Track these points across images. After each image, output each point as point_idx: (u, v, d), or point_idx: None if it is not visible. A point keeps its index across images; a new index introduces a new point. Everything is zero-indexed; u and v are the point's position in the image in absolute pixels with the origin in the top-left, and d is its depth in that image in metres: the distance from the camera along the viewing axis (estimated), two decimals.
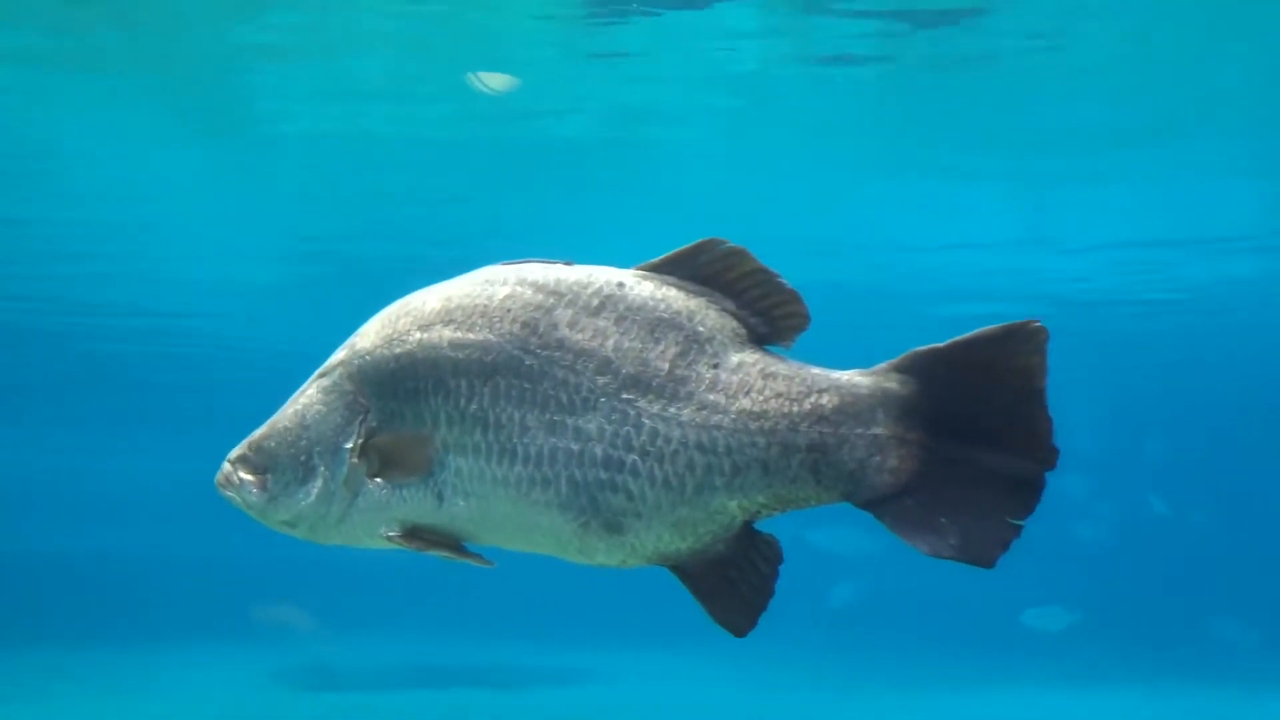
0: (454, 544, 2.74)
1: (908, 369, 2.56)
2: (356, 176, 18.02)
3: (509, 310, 2.56)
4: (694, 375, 2.49)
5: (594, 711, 22.97)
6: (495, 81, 14.29)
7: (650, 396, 2.47)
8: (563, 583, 38.62)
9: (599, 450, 2.51)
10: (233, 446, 2.96)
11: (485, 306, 2.58)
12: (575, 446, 2.50)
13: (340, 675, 26.81)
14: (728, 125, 15.99)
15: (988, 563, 2.58)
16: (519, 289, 2.60)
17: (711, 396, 2.47)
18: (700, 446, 2.47)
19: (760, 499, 2.55)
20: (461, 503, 2.65)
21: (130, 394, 35.53)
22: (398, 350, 2.62)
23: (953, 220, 20.40)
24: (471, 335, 2.56)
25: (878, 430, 2.51)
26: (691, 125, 16.03)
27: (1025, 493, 2.60)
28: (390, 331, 2.67)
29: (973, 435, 2.52)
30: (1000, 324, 2.60)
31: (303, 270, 23.43)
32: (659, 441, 2.48)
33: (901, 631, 33.13)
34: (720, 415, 2.46)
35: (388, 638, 30.77)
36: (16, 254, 22.75)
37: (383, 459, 2.66)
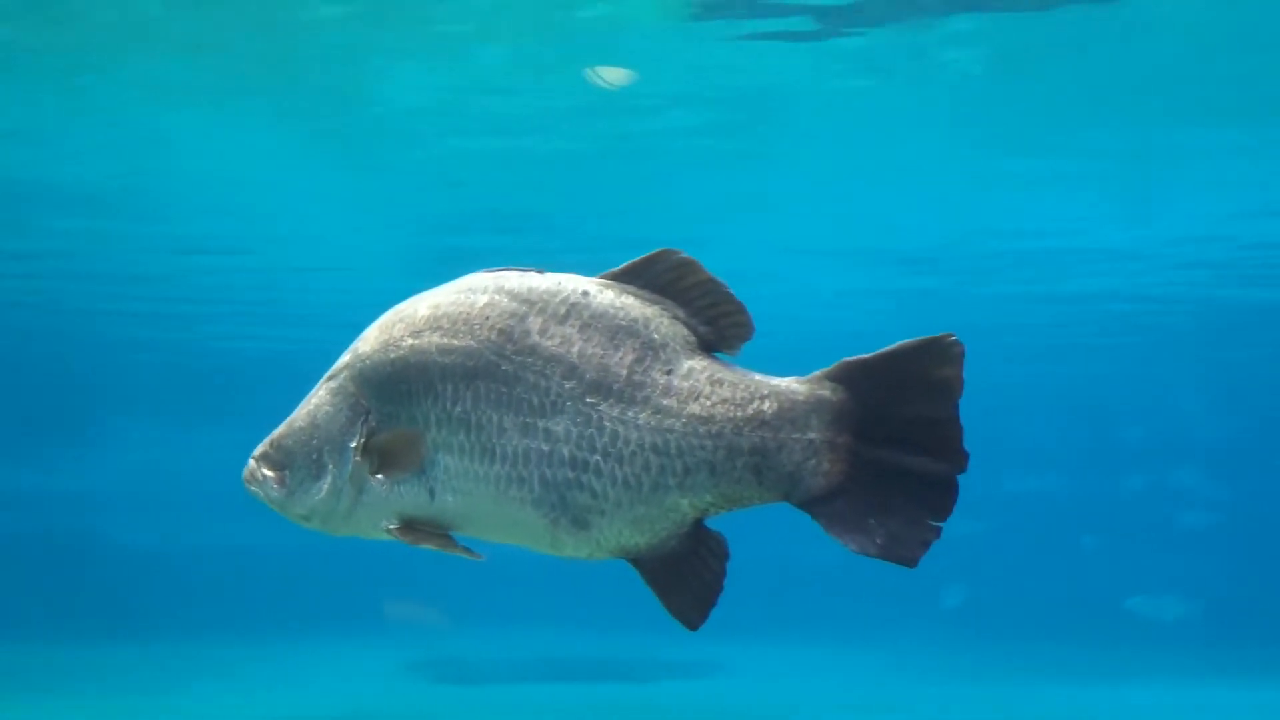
0: (445, 537, 2.96)
1: (839, 377, 2.73)
2: (477, 171, 18.19)
3: (488, 318, 2.77)
4: (649, 381, 2.68)
5: (723, 704, 22.99)
6: (612, 75, 14.36)
7: (611, 401, 2.68)
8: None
9: (566, 451, 2.72)
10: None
11: (468, 314, 2.79)
12: (545, 447, 2.71)
13: (473, 668, 27.09)
14: (841, 109, 15.94)
15: (910, 562, 2.75)
16: (497, 297, 2.80)
17: (665, 401, 2.67)
18: (655, 449, 2.67)
19: (709, 498, 2.72)
20: (450, 498, 2.86)
21: (263, 391, 36.12)
22: (393, 355, 2.86)
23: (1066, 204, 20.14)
24: (456, 341, 2.77)
25: (812, 435, 2.69)
26: (805, 113, 16.00)
27: (943, 495, 2.74)
28: (386, 337, 2.89)
29: (896, 441, 2.70)
30: (921, 337, 2.74)
31: (427, 266, 23.68)
32: (619, 444, 2.69)
33: (1021, 623, 32.83)
34: (673, 419, 2.66)
35: (520, 631, 31.02)
36: (147, 264, 23.29)
37: (381, 457, 2.88)
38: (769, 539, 35.68)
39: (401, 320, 2.93)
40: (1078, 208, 20.36)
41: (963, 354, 2.72)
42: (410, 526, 2.97)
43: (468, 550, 2.96)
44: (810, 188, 19.28)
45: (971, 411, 2.75)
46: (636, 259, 2.83)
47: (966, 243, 22.74)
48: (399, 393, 2.85)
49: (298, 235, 21.50)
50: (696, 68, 14.33)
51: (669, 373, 2.73)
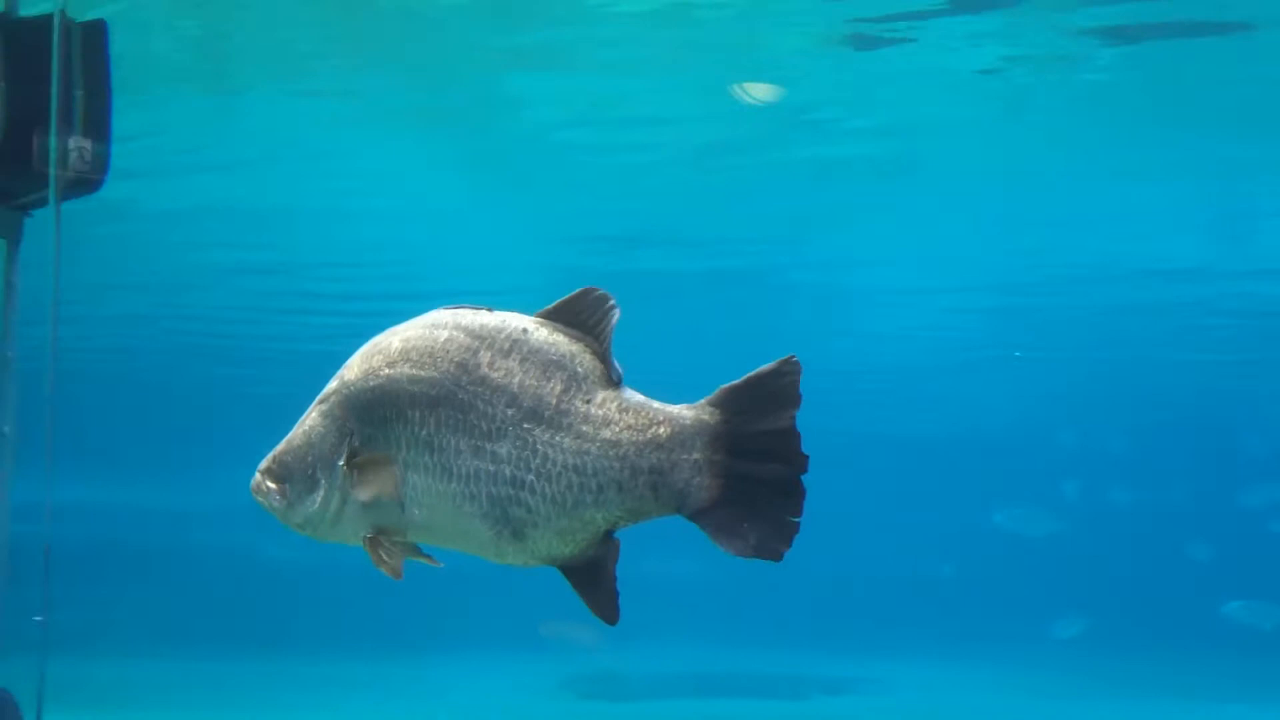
0: (412, 546, 3.37)
1: (715, 403, 3.13)
2: (623, 187, 18.35)
3: (448, 351, 3.15)
4: (573, 409, 3.08)
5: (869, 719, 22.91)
6: (759, 92, 14.45)
7: (543, 426, 3.07)
8: (839, 593, 38.69)
9: (508, 471, 3.12)
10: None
11: (432, 348, 3.17)
12: (492, 468, 3.12)
13: (626, 684, 27.22)
14: (983, 131, 15.93)
15: (777, 556, 3.13)
16: (455, 333, 3.16)
17: (584, 428, 3.07)
18: (576, 469, 3.07)
19: (617, 512, 3.11)
20: (417, 511, 3.25)
21: None
22: (372, 384, 3.25)
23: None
24: (423, 373, 3.15)
25: (696, 455, 3.08)
26: (950, 131, 16.00)
27: (794, 495, 3.11)
28: (367, 367, 3.28)
29: (757, 453, 3.10)
30: (773, 361, 3.15)
31: (573, 282, 23.88)
32: (548, 465, 3.09)
33: (1152, 640, 32.34)
34: (589, 444, 3.05)
35: (673, 647, 31.11)
36: (299, 282, 23.78)
37: (361, 475, 3.28)
38: (918, 555, 35.34)
39: (379, 352, 3.30)
40: (1188, 231, 20.18)
41: (799, 372, 3.14)
42: (380, 536, 3.33)
43: (430, 558, 3.39)
44: (956, 212, 19.25)
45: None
46: (564, 298, 3.25)
47: (1111, 264, 22.49)
48: (377, 417, 3.24)
49: (444, 251, 21.79)
50: (849, 92, 14.42)
51: (588, 402, 3.10)
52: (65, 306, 5.89)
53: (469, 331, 3.17)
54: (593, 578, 3.20)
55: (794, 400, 3.14)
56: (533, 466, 3.10)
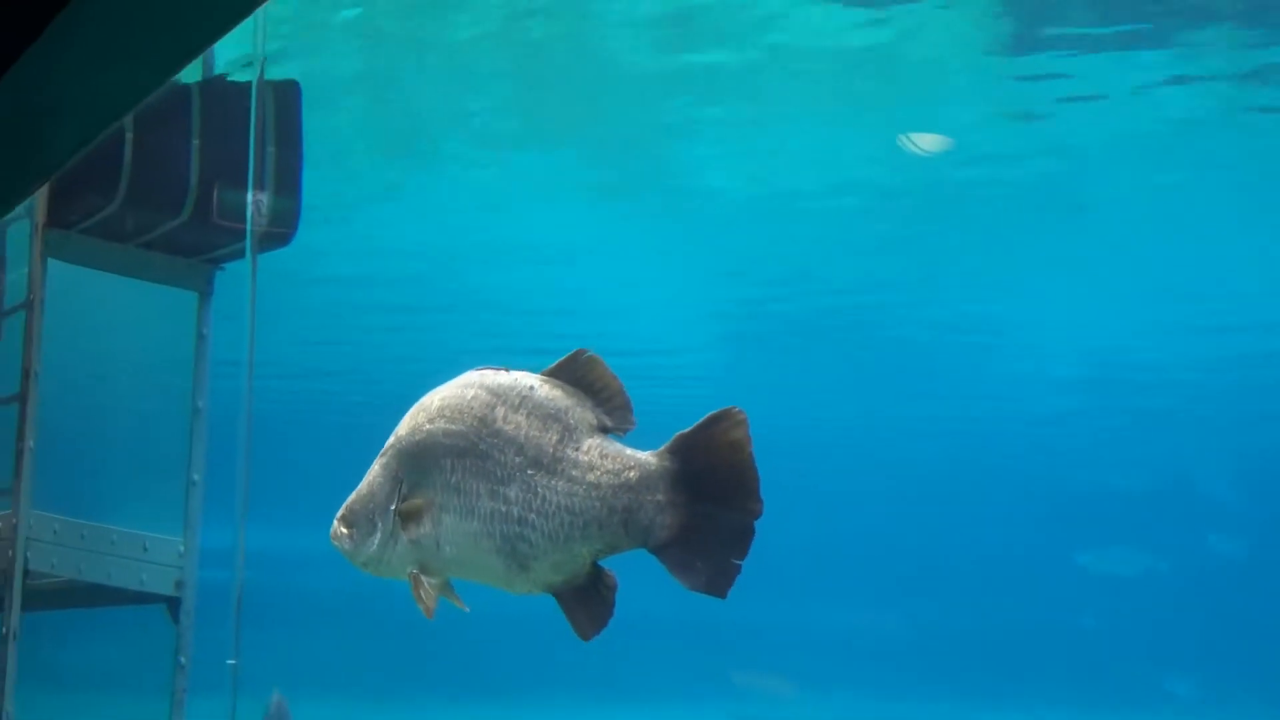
0: (447, 585, 3.76)
1: (673, 449, 3.46)
2: (786, 235, 18.40)
3: (472, 408, 3.57)
4: (565, 457, 3.49)
5: None
6: (926, 142, 14.44)
7: (542, 472, 3.50)
8: (1005, 645, 38.13)
9: (515, 511, 3.53)
10: None
11: (460, 405, 3.60)
12: (504, 509, 3.53)
13: None
14: (1155, 178, 15.72)
15: (721, 594, 3.48)
16: (479, 391, 3.60)
17: (574, 473, 3.49)
18: (567, 509, 3.48)
19: (598, 546, 3.51)
20: (448, 550, 3.65)
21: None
22: (417, 438, 3.68)
23: None
24: (453, 426, 3.59)
25: (659, 497, 3.45)
26: (1120, 179, 15.82)
27: (743, 538, 3.47)
28: (413, 423, 3.71)
29: (712, 496, 3.45)
30: (718, 409, 3.46)
31: (734, 327, 23.97)
32: (546, 505, 3.51)
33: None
34: (578, 486, 3.47)
35: (836, 695, 30.89)
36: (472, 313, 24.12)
37: (406, 518, 3.71)
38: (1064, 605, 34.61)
39: (422, 410, 3.73)
40: None
41: (746, 420, 3.47)
42: (421, 574, 3.73)
43: (458, 600, 3.77)
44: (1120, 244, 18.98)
45: None
46: (562, 358, 3.64)
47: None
48: (421, 467, 3.67)
49: (614, 303, 22.01)
50: (1010, 127, 14.34)
51: (577, 450, 3.51)
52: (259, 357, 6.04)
53: (489, 389, 3.59)
54: (579, 602, 3.56)
55: (745, 446, 3.48)
56: (534, 507, 3.51)
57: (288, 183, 7.24)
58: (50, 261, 7.16)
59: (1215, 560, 35.31)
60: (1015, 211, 17.18)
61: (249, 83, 6.87)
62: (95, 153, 6.63)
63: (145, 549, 7.54)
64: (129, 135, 6.88)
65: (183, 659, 7.64)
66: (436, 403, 3.64)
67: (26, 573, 7.16)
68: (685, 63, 13.01)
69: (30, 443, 7.11)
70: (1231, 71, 12.90)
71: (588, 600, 3.54)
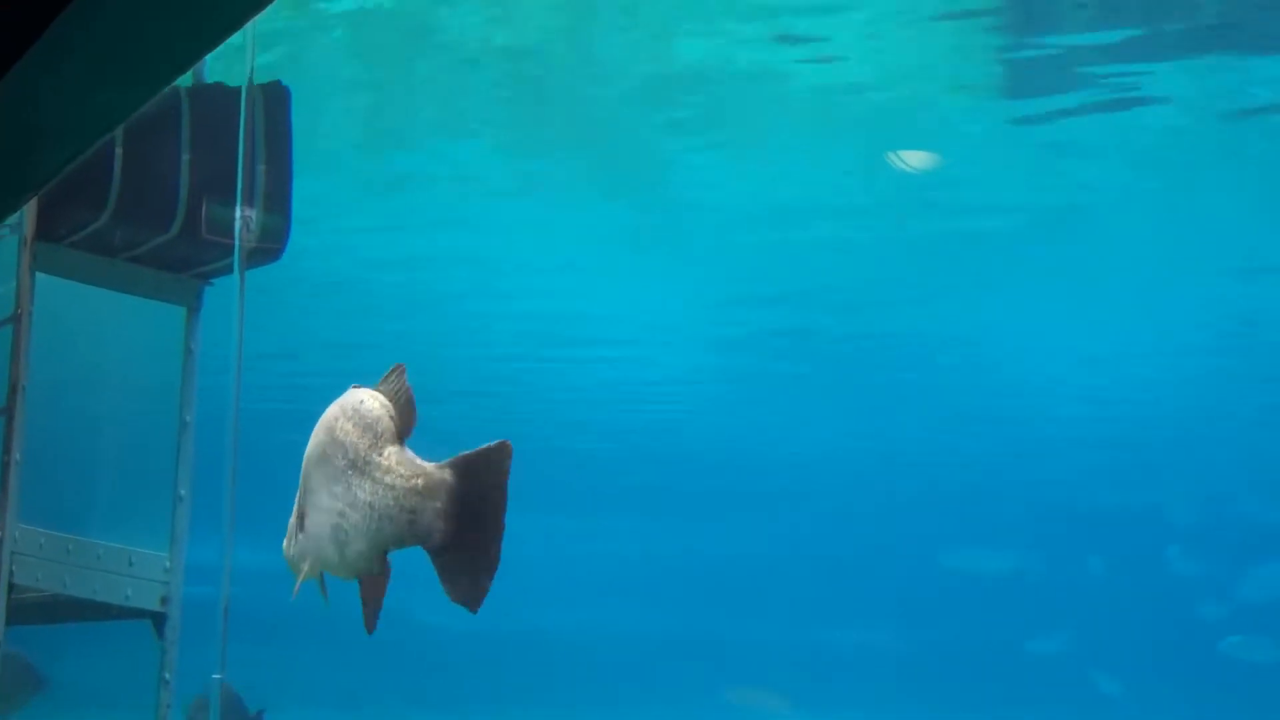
0: (321, 579, 4.21)
1: (455, 465, 3.93)
2: (774, 248, 18.44)
3: (328, 421, 4.06)
4: (373, 461, 3.94)
5: None
6: (914, 159, 14.48)
7: (356, 473, 3.96)
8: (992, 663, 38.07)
9: (339, 505, 4.01)
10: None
11: (325, 420, 4.08)
12: (333, 505, 4.01)
13: None
14: (1150, 197, 15.78)
15: (473, 609, 3.90)
16: (335, 408, 4.07)
17: (377, 474, 3.94)
18: (370, 505, 3.92)
19: (390, 540, 3.96)
20: (310, 544, 4.13)
21: (566, 473, 36.87)
22: (308, 447, 4.13)
23: None
24: (319, 437, 4.06)
25: (438, 505, 3.91)
26: (1114, 200, 15.89)
27: (492, 558, 3.94)
28: (310, 439, 4.16)
29: (477, 515, 3.90)
30: (492, 441, 3.90)
31: (723, 336, 24.04)
32: (357, 501, 3.97)
33: None
34: (379, 486, 3.92)
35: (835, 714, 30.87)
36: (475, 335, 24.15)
37: (300, 520, 4.20)
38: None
39: (318, 423, 4.18)
40: None
41: (511, 452, 3.90)
42: (313, 568, 4.18)
43: (324, 590, 4.23)
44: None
45: None
46: (388, 372, 4.07)
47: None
48: (306, 474, 4.13)
49: (607, 316, 22.03)
50: (1003, 160, 14.43)
51: (380, 455, 3.95)
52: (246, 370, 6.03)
53: (340, 405, 4.08)
54: (372, 591, 4.03)
55: (503, 477, 3.94)
56: (349, 501, 3.98)
57: (277, 198, 7.23)
58: (38, 275, 7.15)
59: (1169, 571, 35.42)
60: (1008, 230, 17.26)
61: (239, 89, 6.85)
62: (85, 166, 6.61)
63: (131, 564, 7.52)
64: (119, 150, 6.87)
65: (167, 675, 7.61)
66: (321, 419, 4.17)
67: (11, 586, 7.13)
68: (675, 77, 13.09)
69: (16, 456, 7.09)
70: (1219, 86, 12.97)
71: (374, 589, 4.03)
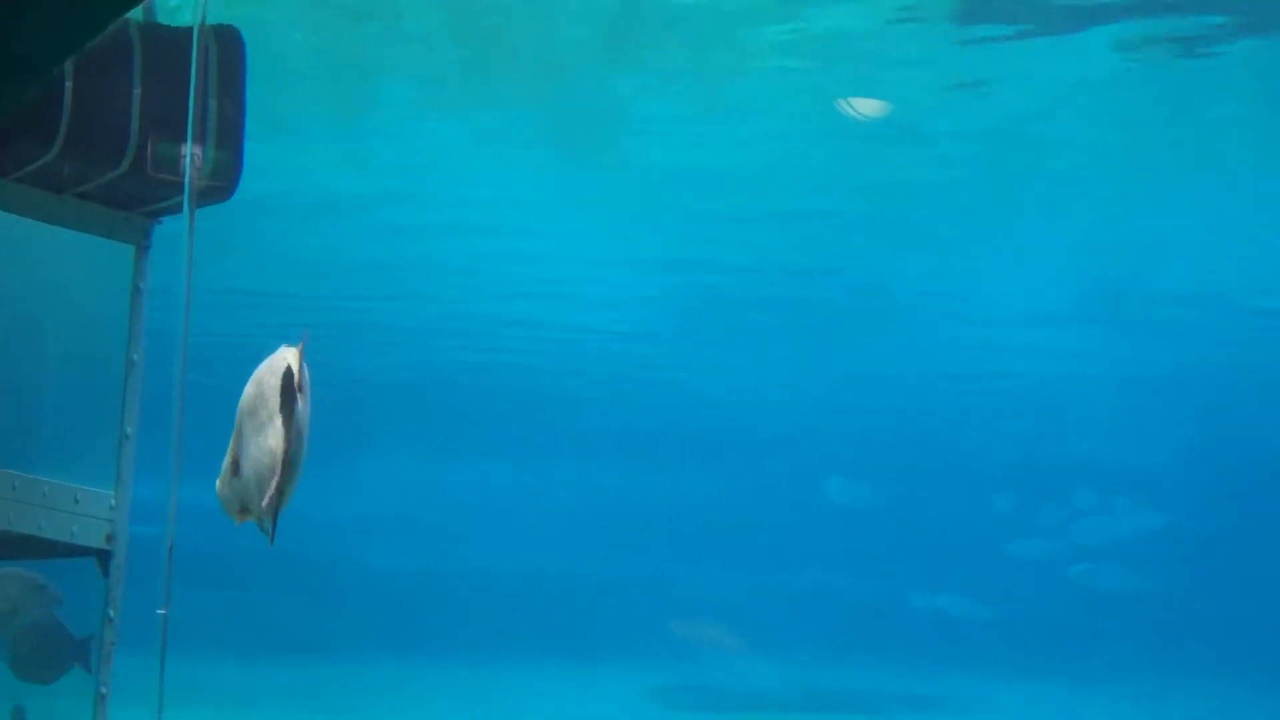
0: (260, 519, 4.65)
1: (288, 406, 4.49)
2: (724, 201, 18.47)
3: (258, 378, 4.56)
4: (266, 411, 4.47)
5: None
6: (865, 106, 14.51)
7: (269, 423, 4.48)
8: (929, 615, 38.50)
9: (258, 452, 4.53)
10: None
11: (256, 374, 4.57)
12: (256, 452, 4.54)
13: (709, 696, 27.27)
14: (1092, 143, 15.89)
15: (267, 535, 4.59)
16: (264, 365, 4.56)
17: (277, 422, 4.46)
18: (271, 451, 4.45)
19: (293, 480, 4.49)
20: (243, 487, 4.62)
21: (519, 418, 36.93)
22: (242, 399, 4.63)
23: None
24: (250, 390, 4.57)
25: (292, 438, 4.46)
26: (1061, 145, 15.97)
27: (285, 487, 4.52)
28: (245, 389, 4.67)
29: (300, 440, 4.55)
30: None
31: (673, 287, 24.09)
32: (267, 444, 4.49)
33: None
34: (275, 432, 4.45)
35: (756, 661, 31.11)
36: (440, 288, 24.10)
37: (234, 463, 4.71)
38: (978, 578, 35.12)
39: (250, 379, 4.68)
40: None
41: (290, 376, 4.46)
42: (244, 510, 4.67)
43: (270, 532, 4.63)
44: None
45: None
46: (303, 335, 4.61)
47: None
48: (239, 422, 4.63)
49: (542, 255, 22.01)
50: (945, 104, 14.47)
51: (286, 405, 4.44)
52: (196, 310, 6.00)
53: (268, 363, 4.57)
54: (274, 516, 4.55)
55: (303, 413, 4.46)
56: (264, 447, 4.49)
57: (229, 135, 7.16)
58: None
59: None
60: (955, 180, 17.34)
61: (190, 28, 6.79)
62: (34, 100, 6.54)
63: (77, 501, 7.49)
64: (69, 84, 6.79)
65: (112, 612, 7.61)
66: (253, 375, 4.64)
67: None
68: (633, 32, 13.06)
69: None
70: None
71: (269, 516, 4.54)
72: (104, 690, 7.43)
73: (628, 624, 34.57)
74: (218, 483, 4.75)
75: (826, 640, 34.56)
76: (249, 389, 4.61)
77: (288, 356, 4.56)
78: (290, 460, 4.49)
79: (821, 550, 39.96)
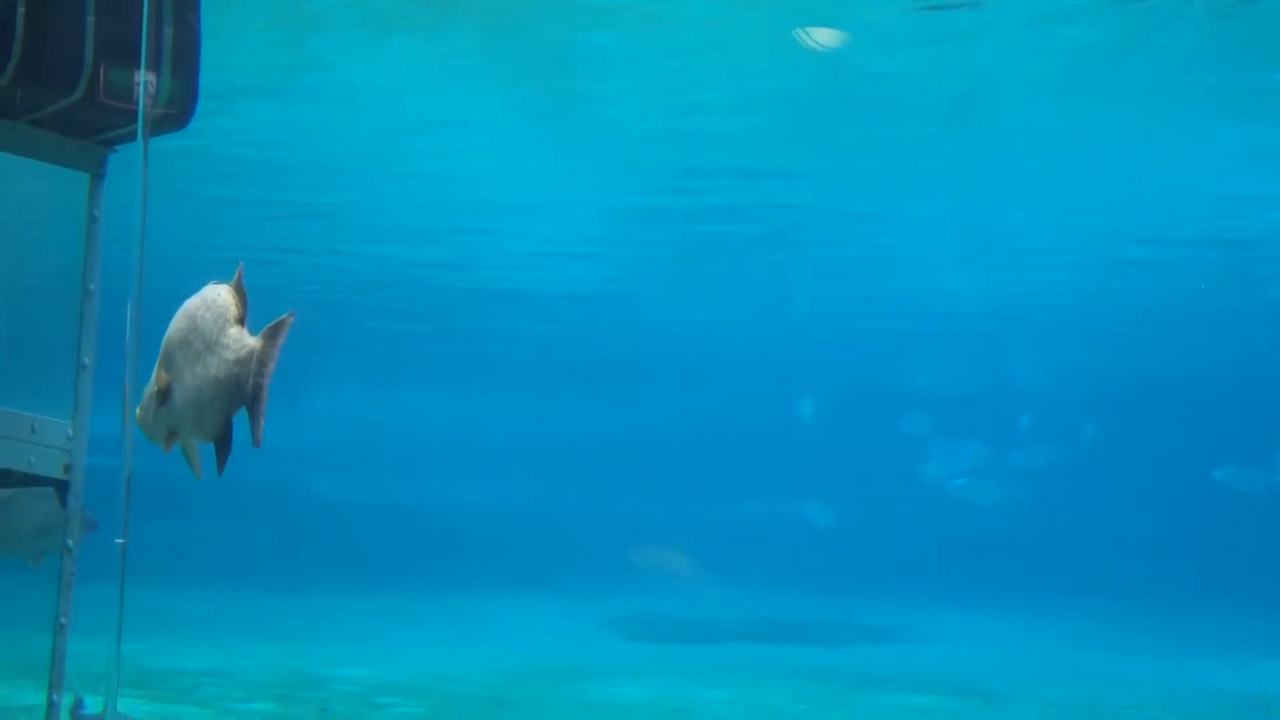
0: (191, 446, 4.88)
1: (261, 335, 4.67)
2: (681, 137, 18.44)
3: (189, 310, 4.79)
4: (218, 341, 4.69)
5: (911, 668, 23.05)
6: (822, 37, 14.46)
7: (208, 352, 4.70)
8: (891, 544, 38.89)
9: (196, 381, 4.73)
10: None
11: (186, 309, 4.80)
12: (195, 382, 4.73)
13: (666, 627, 27.47)
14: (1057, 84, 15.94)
15: (256, 443, 4.69)
16: (196, 299, 4.79)
17: (222, 352, 4.68)
18: (215, 378, 4.68)
19: (231, 406, 4.70)
20: (176, 414, 4.82)
21: (472, 349, 36.90)
22: (168, 335, 4.85)
23: None
24: (180, 324, 4.79)
25: (253, 368, 4.64)
26: (1022, 87, 16.01)
27: (258, 398, 4.69)
28: (170, 326, 4.88)
29: (263, 369, 4.72)
30: (287, 314, 4.71)
31: (629, 228, 24.06)
32: (207, 373, 4.70)
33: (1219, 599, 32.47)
34: (222, 362, 4.68)
35: (714, 593, 31.32)
36: (374, 219, 23.98)
37: (161, 393, 4.90)
38: (959, 512, 35.52)
39: (176, 315, 4.86)
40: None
41: (289, 322, 4.65)
42: (171, 435, 4.87)
43: (195, 466, 4.92)
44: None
45: None
46: (238, 270, 4.77)
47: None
48: (168, 354, 4.83)
49: (501, 185, 21.94)
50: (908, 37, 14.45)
51: (224, 335, 4.67)
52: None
53: (202, 296, 4.79)
54: (223, 447, 4.73)
55: (278, 338, 4.63)
56: (202, 377, 4.69)
57: (184, 63, 7.10)
58: None
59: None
60: (914, 114, 17.34)
61: None
62: None
63: (34, 430, 7.46)
64: (21, 9, 6.72)
65: (70, 543, 7.59)
66: (180, 310, 4.85)
67: None
68: None
69: None
70: None
71: (224, 447, 4.74)
72: (63, 620, 7.42)
73: (583, 555, 34.75)
74: (137, 411, 4.96)
75: (782, 570, 34.87)
76: (179, 322, 4.81)
77: (220, 291, 4.77)
78: (259, 387, 4.65)
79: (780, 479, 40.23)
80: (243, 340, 4.70)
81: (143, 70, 6.82)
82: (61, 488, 7.58)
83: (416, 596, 31.23)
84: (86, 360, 7.60)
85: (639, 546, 30.32)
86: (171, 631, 22.29)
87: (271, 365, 4.70)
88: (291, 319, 4.68)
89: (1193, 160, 19.22)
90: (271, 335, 4.71)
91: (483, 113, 17.69)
